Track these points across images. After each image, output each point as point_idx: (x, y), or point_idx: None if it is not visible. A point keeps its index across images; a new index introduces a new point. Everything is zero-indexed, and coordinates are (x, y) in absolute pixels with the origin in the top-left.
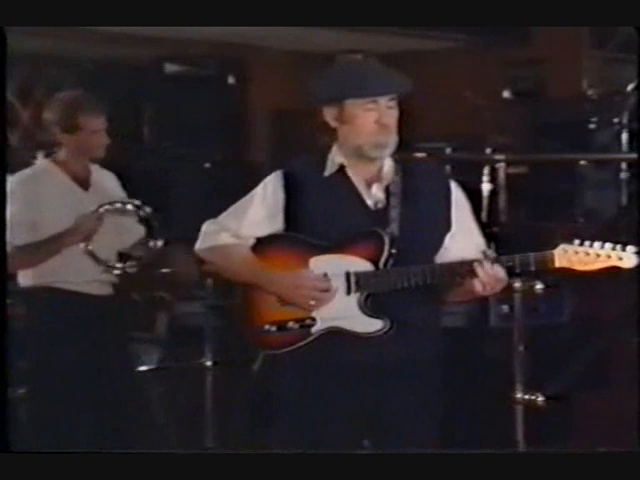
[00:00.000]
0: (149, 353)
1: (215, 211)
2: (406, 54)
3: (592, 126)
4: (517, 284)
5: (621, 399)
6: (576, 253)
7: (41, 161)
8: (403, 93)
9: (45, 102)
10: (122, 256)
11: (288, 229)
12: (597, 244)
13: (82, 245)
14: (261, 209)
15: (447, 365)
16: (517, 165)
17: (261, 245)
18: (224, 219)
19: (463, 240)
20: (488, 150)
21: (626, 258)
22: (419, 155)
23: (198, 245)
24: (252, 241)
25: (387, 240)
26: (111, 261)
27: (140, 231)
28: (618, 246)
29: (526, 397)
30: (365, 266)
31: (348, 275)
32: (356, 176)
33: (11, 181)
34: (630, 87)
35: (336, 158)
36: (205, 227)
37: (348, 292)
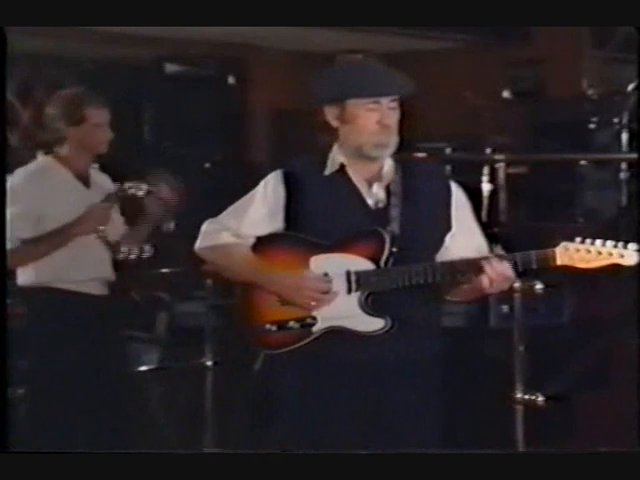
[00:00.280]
0: (149, 353)
1: (215, 211)
2: (406, 54)
3: (592, 126)
4: (517, 284)
5: (621, 399)
6: (577, 251)
7: (43, 158)
8: (406, 94)
9: (45, 101)
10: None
11: (288, 228)
12: (598, 242)
13: (93, 235)
14: (261, 208)
15: (447, 365)
16: (517, 165)
17: (261, 244)
18: (224, 218)
19: (463, 240)
20: (488, 150)
21: (627, 256)
22: (419, 155)
23: (198, 244)
24: (252, 240)
25: (388, 239)
26: (124, 247)
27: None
28: (619, 244)
29: (526, 397)
30: (366, 265)
31: (349, 274)
32: (357, 175)
33: (16, 176)
34: (630, 87)
35: (337, 157)
36: (205, 226)
37: (349, 291)
